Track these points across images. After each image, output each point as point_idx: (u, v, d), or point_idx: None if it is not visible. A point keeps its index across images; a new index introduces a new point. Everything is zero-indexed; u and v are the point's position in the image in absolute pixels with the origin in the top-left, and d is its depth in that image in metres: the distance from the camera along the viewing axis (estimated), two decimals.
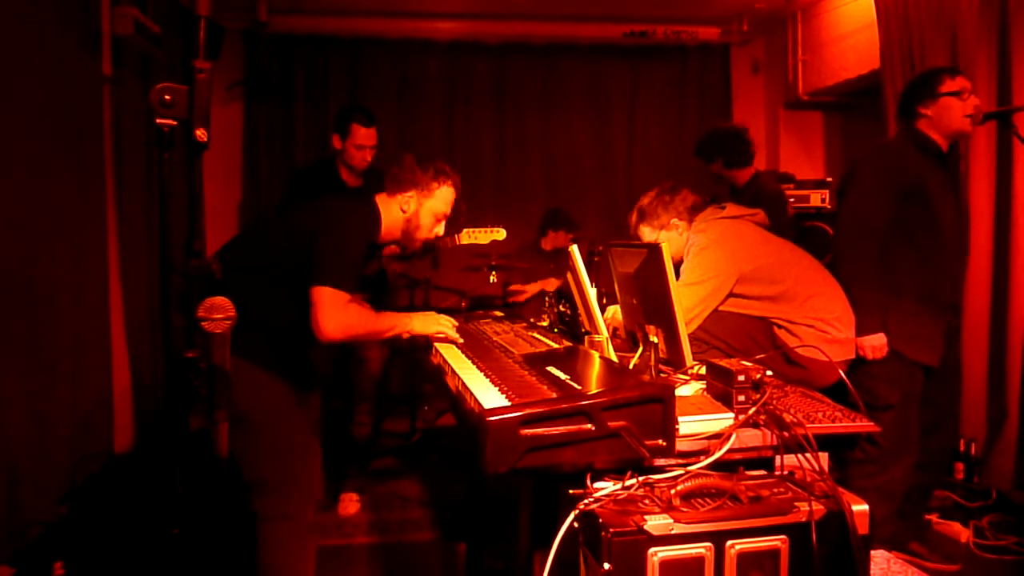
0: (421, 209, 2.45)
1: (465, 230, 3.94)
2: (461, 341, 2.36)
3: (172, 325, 1.27)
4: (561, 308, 2.61)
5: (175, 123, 1.15)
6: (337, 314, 2.15)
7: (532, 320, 2.87)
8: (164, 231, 1.19)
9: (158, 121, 1.14)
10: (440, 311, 2.58)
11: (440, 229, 2.53)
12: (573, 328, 2.41)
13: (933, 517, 3.21)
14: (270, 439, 2.19)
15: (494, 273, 4.28)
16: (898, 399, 2.70)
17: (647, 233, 2.71)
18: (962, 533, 3.09)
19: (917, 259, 2.69)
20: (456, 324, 2.44)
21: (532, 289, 4.39)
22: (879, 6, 3.91)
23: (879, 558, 2.10)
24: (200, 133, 1.13)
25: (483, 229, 3.98)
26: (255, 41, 5.22)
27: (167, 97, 1.14)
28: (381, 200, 2.45)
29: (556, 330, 2.56)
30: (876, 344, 2.62)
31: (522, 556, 2.07)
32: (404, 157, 2.49)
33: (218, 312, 1.21)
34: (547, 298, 2.82)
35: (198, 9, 1.23)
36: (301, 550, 2.21)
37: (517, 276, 4.55)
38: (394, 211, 2.44)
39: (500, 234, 3.98)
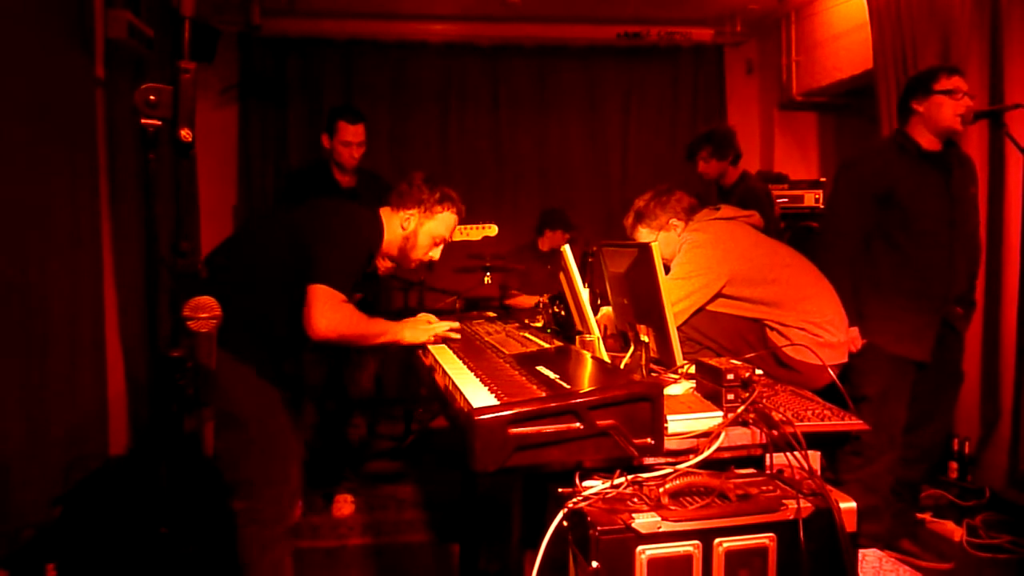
0: (420, 229, 2.45)
1: (457, 227, 3.94)
2: (458, 337, 2.36)
3: (159, 325, 1.27)
4: (555, 309, 2.61)
5: (160, 123, 1.16)
6: (331, 313, 2.13)
7: (527, 321, 2.87)
8: (150, 231, 1.20)
9: (143, 121, 1.14)
10: (434, 312, 2.58)
11: (436, 253, 2.53)
12: (567, 329, 2.41)
13: (927, 516, 3.22)
14: (253, 441, 2.18)
15: (489, 274, 4.29)
16: (874, 392, 2.76)
17: (644, 234, 2.71)
18: (956, 532, 3.10)
19: (897, 257, 2.79)
20: (456, 326, 2.43)
21: (528, 301, 4.39)
22: (872, 6, 3.92)
23: (872, 557, 2.11)
24: (185, 133, 1.13)
25: (475, 226, 3.98)
26: (249, 44, 5.23)
27: (152, 97, 1.14)
28: (385, 213, 2.45)
29: (549, 331, 2.57)
30: (850, 337, 2.68)
31: (514, 556, 2.07)
32: (414, 175, 2.49)
33: (204, 311, 1.21)
34: (541, 300, 2.83)
35: (182, 10, 1.23)
36: (276, 554, 2.20)
37: (513, 277, 4.55)
38: (395, 226, 2.44)
39: (492, 230, 3.98)
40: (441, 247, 2.54)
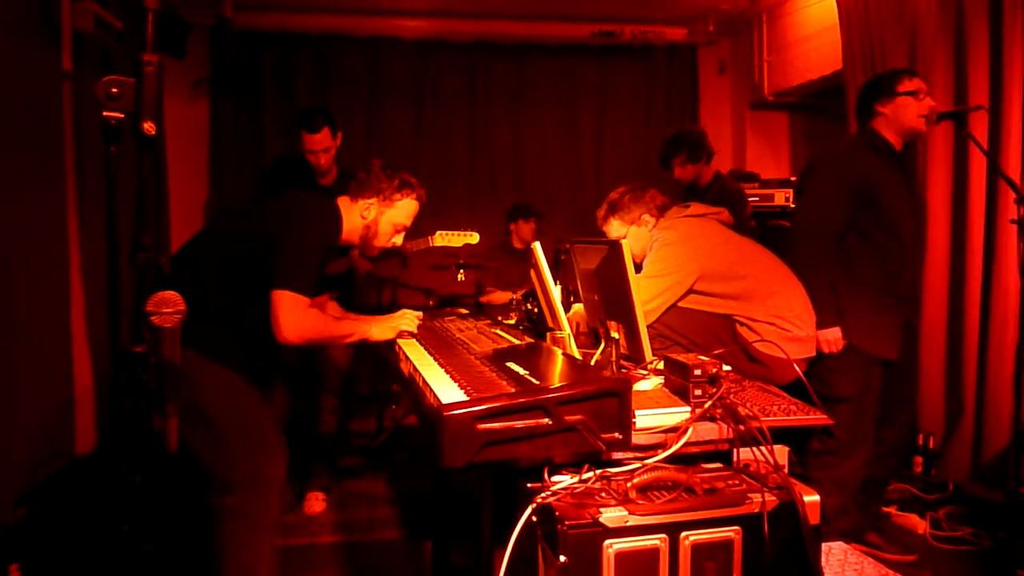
0: (381, 218, 2.45)
1: (438, 232, 3.94)
2: (416, 333, 2.37)
3: (120, 320, 1.25)
4: (528, 306, 2.62)
5: (122, 116, 1.14)
6: (296, 318, 2.15)
7: (499, 318, 2.88)
8: (112, 226, 1.18)
9: (105, 114, 1.13)
10: (409, 309, 2.57)
11: (398, 239, 2.53)
12: (540, 326, 2.42)
13: (892, 509, 3.28)
14: (230, 439, 2.16)
15: (462, 272, 4.29)
16: (853, 392, 2.77)
17: (616, 227, 2.73)
18: (919, 525, 3.16)
19: (874, 256, 2.78)
20: (419, 319, 2.44)
21: (502, 297, 4.39)
22: (841, 8, 3.98)
23: (836, 549, 2.13)
24: (147, 126, 1.12)
25: (456, 232, 3.98)
26: (221, 37, 5.16)
27: (114, 90, 1.13)
28: (343, 203, 2.44)
29: (522, 327, 2.57)
30: (832, 338, 2.69)
31: (485, 552, 2.08)
32: (372, 163, 2.49)
33: (167, 306, 1.20)
34: (514, 297, 2.83)
35: (146, 1, 1.22)
36: (260, 548, 2.19)
37: (488, 276, 4.56)
38: (355, 216, 2.44)
39: (473, 238, 3.98)
40: (403, 233, 2.54)
